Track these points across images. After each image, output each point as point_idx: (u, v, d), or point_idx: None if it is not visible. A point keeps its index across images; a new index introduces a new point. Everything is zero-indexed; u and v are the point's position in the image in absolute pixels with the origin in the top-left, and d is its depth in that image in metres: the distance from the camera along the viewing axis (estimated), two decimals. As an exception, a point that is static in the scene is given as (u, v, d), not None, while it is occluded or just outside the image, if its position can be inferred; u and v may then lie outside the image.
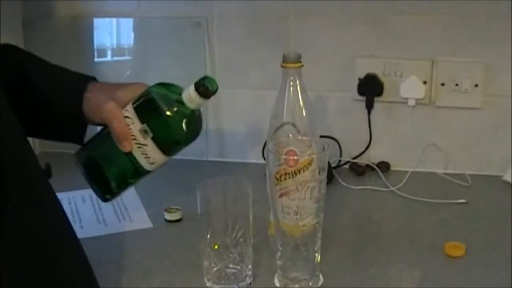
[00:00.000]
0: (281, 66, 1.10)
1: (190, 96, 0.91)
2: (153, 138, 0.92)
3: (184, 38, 1.57)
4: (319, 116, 1.20)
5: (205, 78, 0.91)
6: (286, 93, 1.10)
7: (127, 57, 1.65)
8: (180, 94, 0.92)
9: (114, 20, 1.63)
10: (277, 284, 1.06)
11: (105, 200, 1.00)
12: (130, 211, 1.34)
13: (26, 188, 0.77)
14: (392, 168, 1.54)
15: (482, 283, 1.05)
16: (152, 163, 0.95)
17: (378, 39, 1.48)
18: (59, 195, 1.33)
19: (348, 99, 1.53)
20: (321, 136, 1.18)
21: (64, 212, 0.86)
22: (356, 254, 1.16)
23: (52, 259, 0.80)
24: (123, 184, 0.98)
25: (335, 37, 1.50)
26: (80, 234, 1.19)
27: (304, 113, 1.11)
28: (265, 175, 1.42)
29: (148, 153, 0.93)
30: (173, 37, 1.58)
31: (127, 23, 1.63)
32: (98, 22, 1.63)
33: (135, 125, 0.93)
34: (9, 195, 0.74)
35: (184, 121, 0.92)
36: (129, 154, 0.94)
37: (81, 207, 1.36)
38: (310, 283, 1.05)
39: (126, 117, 0.93)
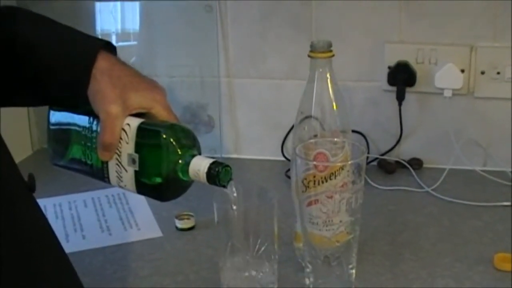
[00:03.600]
0: (309, 55, 0.99)
1: (197, 172, 0.82)
2: (136, 172, 0.84)
3: (194, 22, 1.49)
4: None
5: (224, 167, 0.82)
6: (315, 87, 1.00)
7: (132, 43, 1.58)
8: (191, 156, 0.83)
9: (118, 3, 1.56)
10: (306, 306, 0.96)
11: (51, 161, 0.94)
12: (138, 218, 1.24)
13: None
14: (425, 165, 1.45)
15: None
16: (120, 186, 0.87)
17: (410, 22, 1.39)
18: (58, 199, 1.32)
19: (377, 89, 1.44)
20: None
21: (50, 230, 0.79)
22: (394, 267, 1.06)
23: (34, 280, 0.73)
24: (80, 165, 0.90)
25: (362, 20, 1.41)
26: (82, 245, 1.16)
27: (334, 108, 1.00)
28: (286, 175, 1.34)
29: (122, 177, 0.85)
30: (182, 21, 1.50)
31: (133, 6, 1.55)
32: (101, 5, 1.56)
33: (128, 146, 0.84)
34: None
35: (175, 184, 0.84)
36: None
37: (83, 213, 1.27)
38: (344, 305, 0.94)
39: (124, 130, 0.84)
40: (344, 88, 1.33)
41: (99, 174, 0.87)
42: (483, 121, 1.41)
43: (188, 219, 1.20)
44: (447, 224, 1.19)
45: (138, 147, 0.83)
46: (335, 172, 0.88)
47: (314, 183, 0.89)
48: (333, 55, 0.98)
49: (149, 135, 0.83)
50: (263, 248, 0.92)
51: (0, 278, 0.67)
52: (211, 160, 0.82)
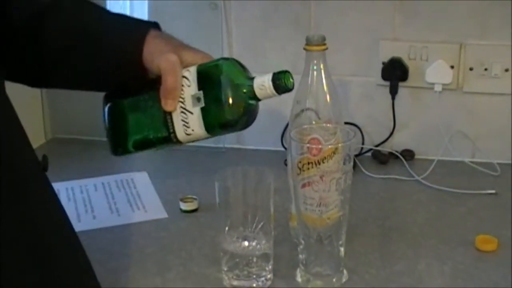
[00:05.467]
0: (304, 49, 1.06)
1: (263, 85, 0.85)
2: (202, 109, 0.86)
3: (200, 20, 1.53)
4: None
5: (284, 73, 0.85)
6: (309, 78, 1.06)
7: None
8: (251, 78, 0.86)
9: (127, 1, 1.59)
10: (299, 280, 1.02)
11: (115, 153, 0.94)
12: (144, 201, 1.30)
13: (13, 182, 0.72)
14: (417, 156, 1.49)
15: (516, 279, 1.01)
16: (188, 134, 0.88)
17: (403, 21, 1.43)
18: (70, 184, 1.39)
19: (371, 84, 1.49)
20: (342, 123, 1.14)
21: (61, 208, 0.82)
22: (382, 247, 1.13)
23: (42, 257, 0.75)
24: (143, 144, 0.92)
25: (358, 19, 1.45)
26: (92, 225, 1.22)
27: (328, 99, 1.06)
28: (285, 163, 1.40)
29: (189, 122, 0.87)
30: (188, 19, 1.54)
31: (141, 5, 1.58)
32: (110, 4, 1.59)
33: (190, 89, 0.87)
34: None
35: (244, 106, 0.86)
36: (167, 115, 0.88)
37: (93, 196, 1.33)
38: (334, 279, 1.01)
39: (184, 77, 0.87)
40: (341, 83, 1.40)
41: (164, 136, 0.89)
42: (471, 115, 1.45)
43: (191, 202, 1.25)
44: (434, 210, 1.25)
45: (201, 85, 0.86)
46: (327, 156, 0.94)
47: (309, 166, 0.95)
48: (327, 48, 1.04)
49: (209, 71, 0.87)
50: (260, 226, 0.99)
51: (12, 254, 0.70)
52: (271, 73, 0.85)
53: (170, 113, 0.88)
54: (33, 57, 0.92)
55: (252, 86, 0.85)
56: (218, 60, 0.88)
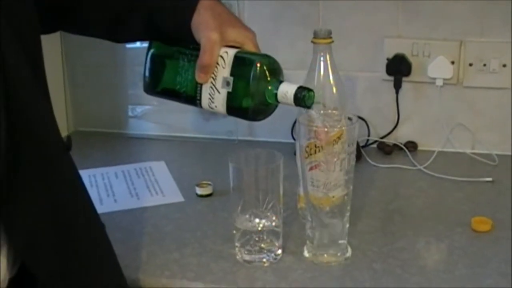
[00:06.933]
0: (312, 41, 1.12)
1: (286, 94, 0.91)
2: (229, 93, 0.92)
3: None
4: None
5: (308, 91, 0.91)
6: (316, 70, 1.13)
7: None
8: (279, 82, 0.92)
9: None
10: (306, 255, 1.09)
11: (145, 91, 1.01)
12: (162, 186, 1.37)
13: (40, 159, 0.76)
14: (420, 147, 1.55)
15: (509, 256, 1.07)
16: (210, 107, 0.95)
17: (407, 19, 1.49)
18: (92, 171, 1.46)
19: (377, 79, 1.54)
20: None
21: (83, 187, 0.87)
22: (384, 227, 1.19)
23: (65, 229, 0.79)
24: (170, 94, 0.99)
25: (364, 18, 1.51)
26: (114, 207, 1.28)
27: (334, 90, 1.13)
28: (294, 154, 1.47)
29: (214, 99, 0.93)
30: None
31: None
32: None
33: (224, 70, 0.92)
34: (21, 164, 0.73)
35: (264, 104, 0.92)
36: (198, 84, 0.94)
37: (114, 182, 1.40)
38: (339, 254, 1.08)
39: (221, 57, 0.92)
40: (348, 78, 1.44)
41: (191, 98, 0.95)
42: (471, 108, 1.49)
43: (206, 187, 1.32)
44: (434, 195, 1.32)
45: (234, 72, 0.91)
46: (333, 141, 1.01)
47: (316, 150, 1.01)
48: (333, 41, 1.11)
49: (244, 63, 0.91)
50: (270, 205, 1.06)
51: (37, 225, 0.74)
52: (297, 85, 0.91)
53: (201, 83, 0.94)
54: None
55: (276, 91, 0.91)
56: (257, 55, 0.93)
